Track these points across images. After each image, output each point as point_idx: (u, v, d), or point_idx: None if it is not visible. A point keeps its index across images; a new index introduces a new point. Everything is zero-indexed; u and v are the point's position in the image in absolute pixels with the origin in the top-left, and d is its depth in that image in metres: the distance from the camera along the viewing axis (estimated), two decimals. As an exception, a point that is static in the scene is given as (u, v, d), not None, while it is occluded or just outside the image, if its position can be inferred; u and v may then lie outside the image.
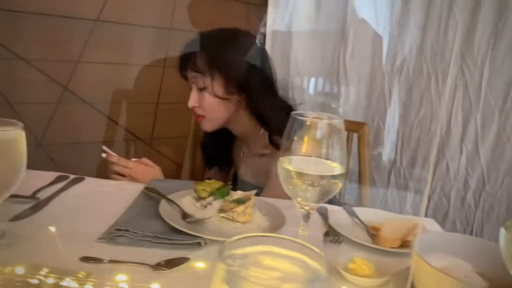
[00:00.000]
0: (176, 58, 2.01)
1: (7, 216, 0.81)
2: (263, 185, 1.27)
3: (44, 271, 0.60)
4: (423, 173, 1.88)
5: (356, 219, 0.97)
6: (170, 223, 0.83)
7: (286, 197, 0.86)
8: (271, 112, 1.24)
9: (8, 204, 0.87)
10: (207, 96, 1.21)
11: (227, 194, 0.92)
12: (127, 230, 0.80)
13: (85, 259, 0.71)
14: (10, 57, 1.69)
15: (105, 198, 0.99)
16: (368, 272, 0.72)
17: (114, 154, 1.17)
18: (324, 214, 1.01)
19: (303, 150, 0.68)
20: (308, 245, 0.41)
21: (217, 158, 1.45)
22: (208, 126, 1.27)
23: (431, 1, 1.81)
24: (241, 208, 0.86)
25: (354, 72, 2.07)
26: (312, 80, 2.21)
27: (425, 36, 1.84)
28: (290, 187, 0.69)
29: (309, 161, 0.68)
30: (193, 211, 0.89)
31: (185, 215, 0.88)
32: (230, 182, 1.42)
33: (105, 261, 0.71)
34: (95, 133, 1.96)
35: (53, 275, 0.63)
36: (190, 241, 0.79)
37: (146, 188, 0.99)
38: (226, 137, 1.42)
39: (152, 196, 0.97)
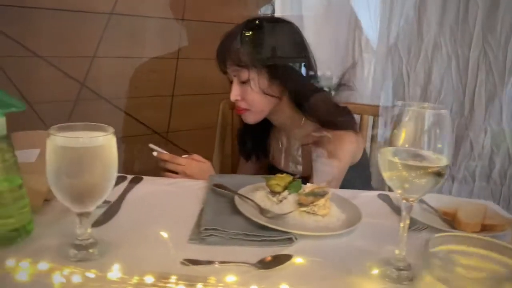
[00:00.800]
0: (190, 48, 1.99)
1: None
2: (305, 174, 1.27)
3: (173, 278, 0.58)
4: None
5: (425, 205, 0.98)
6: (256, 220, 0.82)
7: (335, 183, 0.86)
8: (316, 101, 1.23)
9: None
10: (252, 90, 1.19)
11: (300, 187, 0.91)
12: (216, 229, 0.78)
13: (187, 261, 0.70)
14: (27, 55, 1.63)
15: (172, 198, 0.97)
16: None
17: (165, 152, 1.14)
18: (389, 202, 1.01)
19: (407, 140, 0.68)
20: (503, 243, 0.40)
21: (255, 150, 1.44)
22: (252, 118, 1.26)
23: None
24: (322, 201, 0.85)
25: (369, 56, 2.07)
26: (325, 66, 2.20)
27: (444, 18, 1.84)
28: (394, 178, 0.68)
29: (413, 152, 0.67)
30: (269, 206, 0.88)
31: (263, 211, 0.86)
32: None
33: (207, 262, 0.69)
34: (115, 128, 1.93)
35: (165, 281, 0.61)
36: (282, 237, 0.79)
37: (215, 185, 0.97)
38: (263, 128, 1.41)
39: (221, 192, 0.95)
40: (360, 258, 0.76)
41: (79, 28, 1.76)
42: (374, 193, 1.07)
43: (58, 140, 0.66)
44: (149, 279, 0.58)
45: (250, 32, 1.21)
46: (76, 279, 0.58)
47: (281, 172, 1.37)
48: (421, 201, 0.99)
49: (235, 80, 1.22)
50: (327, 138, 1.21)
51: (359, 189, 1.07)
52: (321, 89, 1.30)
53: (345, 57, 2.11)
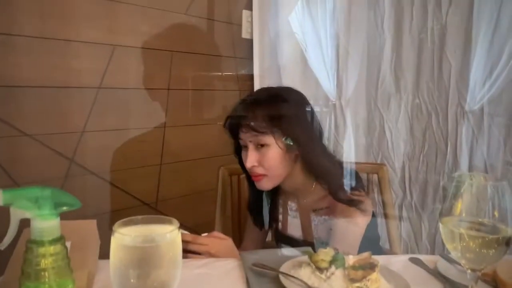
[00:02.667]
0: (176, 116, 2.00)
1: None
2: (313, 240, 1.27)
3: None
4: (435, 204, 1.96)
5: (459, 266, 0.99)
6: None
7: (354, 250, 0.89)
8: (326, 165, 1.26)
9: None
10: (270, 154, 1.21)
11: (344, 261, 0.90)
12: (276, 316, 0.75)
13: None
14: (14, 134, 1.58)
15: (210, 282, 0.93)
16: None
17: (187, 232, 1.11)
18: (423, 266, 1.02)
19: (468, 211, 0.70)
20: None
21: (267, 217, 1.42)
22: (269, 184, 1.26)
23: (422, 44, 1.96)
24: (374, 275, 0.85)
25: (351, 114, 2.15)
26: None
27: (420, 76, 1.97)
28: (460, 248, 0.70)
29: (476, 222, 0.69)
30: (317, 284, 0.86)
31: (313, 289, 0.85)
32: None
33: None
34: (103, 203, 1.86)
35: None
36: (344, 318, 0.77)
37: (254, 265, 0.94)
38: (273, 195, 1.41)
39: (261, 272, 0.93)
40: (426, 332, 0.75)
41: (68, 104, 1.73)
42: (405, 257, 1.07)
43: (126, 240, 0.63)
44: None
45: (265, 99, 1.24)
46: None
47: (289, 238, 1.38)
48: (454, 261, 1.00)
49: (251, 147, 1.22)
50: (341, 205, 1.22)
51: (369, 249, 1.08)
52: (329, 153, 1.33)
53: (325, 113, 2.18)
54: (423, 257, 1.06)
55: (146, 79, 1.94)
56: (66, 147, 1.72)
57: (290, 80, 2.14)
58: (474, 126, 1.86)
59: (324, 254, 0.90)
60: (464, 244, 0.69)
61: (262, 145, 1.21)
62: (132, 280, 0.63)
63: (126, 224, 0.66)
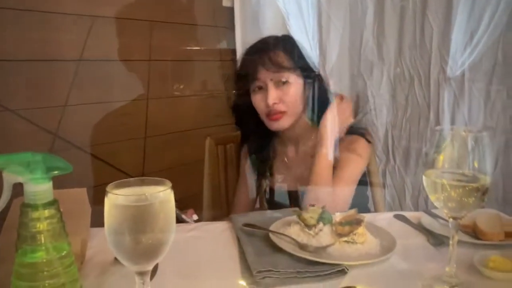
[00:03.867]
0: (159, 88, 1.99)
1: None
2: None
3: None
4: (418, 168, 2.01)
5: (442, 220, 1.03)
6: (305, 256, 0.83)
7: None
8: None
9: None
10: (291, 90, 1.26)
11: (332, 217, 0.93)
12: (270, 271, 0.78)
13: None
14: (-4, 110, 1.56)
15: (201, 244, 0.96)
16: (509, 267, 0.78)
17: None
18: (407, 221, 1.06)
19: (450, 162, 0.73)
20: None
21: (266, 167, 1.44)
22: (287, 121, 1.29)
23: (404, 9, 1.96)
24: (360, 229, 0.88)
25: (334, 82, 2.16)
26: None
27: (403, 41, 1.98)
28: (441, 198, 0.73)
29: (457, 173, 0.72)
30: (306, 240, 0.89)
31: (302, 246, 0.88)
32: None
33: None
34: (88, 177, 1.86)
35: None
36: (334, 270, 0.80)
37: (244, 225, 0.97)
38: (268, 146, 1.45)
39: (251, 231, 0.95)
40: (411, 280, 0.79)
41: (49, 77, 1.70)
42: (389, 214, 1.11)
43: (119, 199, 0.64)
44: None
45: (286, 38, 1.34)
46: None
47: (279, 188, 1.40)
48: (437, 216, 1.05)
49: (272, 85, 1.25)
50: (341, 145, 1.27)
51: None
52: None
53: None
54: (407, 214, 1.10)
55: (126, 51, 1.91)
56: (49, 121, 1.70)
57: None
58: (456, 91, 1.89)
59: (312, 212, 0.93)
60: (446, 194, 0.72)
61: (284, 82, 1.25)
62: (127, 241, 0.65)
63: (119, 186, 0.66)
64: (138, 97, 2.02)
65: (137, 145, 2.03)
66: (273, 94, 1.24)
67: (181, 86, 2.21)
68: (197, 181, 1.74)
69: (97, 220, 0.92)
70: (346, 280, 0.78)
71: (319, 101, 1.32)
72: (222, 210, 1.68)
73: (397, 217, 1.09)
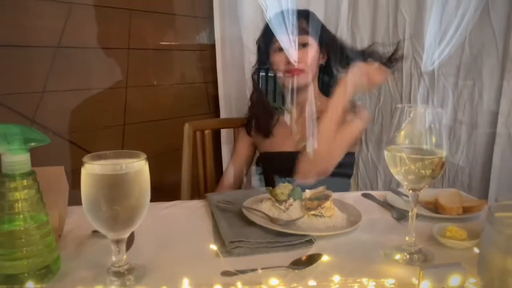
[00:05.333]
0: (138, 76, 2.01)
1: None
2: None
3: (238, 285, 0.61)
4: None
5: (405, 198, 1.09)
6: (274, 228, 0.87)
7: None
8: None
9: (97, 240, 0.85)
10: (310, 52, 1.42)
11: (301, 194, 0.98)
12: (241, 241, 0.82)
13: (225, 273, 0.73)
14: (-28, 94, 1.55)
15: (177, 219, 1.00)
16: (464, 237, 0.84)
17: None
18: (374, 199, 1.12)
19: (409, 137, 0.78)
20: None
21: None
22: (305, 79, 1.42)
23: (377, 2, 2.02)
24: (328, 203, 0.93)
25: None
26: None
27: (376, 33, 2.04)
28: (401, 171, 0.78)
29: (415, 148, 0.77)
30: (277, 215, 0.93)
31: (273, 220, 0.92)
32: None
33: (250, 270, 0.73)
34: (66, 164, 1.86)
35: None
36: (302, 240, 0.84)
37: (219, 201, 1.01)
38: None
39: (226, 207, 0.99)
40: (374, 249, 0.84)
41: (27, 63, 1.70)
42: (358, 193, 1.16)
43: (96, 168, 0.67)
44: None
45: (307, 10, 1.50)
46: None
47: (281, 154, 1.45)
48: (402, 194, 1.10)
49: (293, 46, 1.39)
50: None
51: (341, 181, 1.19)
52: None
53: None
54: (375, 193, 1.16)
55: (105, 38, 1.92)
56: (26, 107, 1.70)
57: (251, 41, 2.16)
58: (429, 87, 1.96)
59: (283, 188, 0.97)
60: (406, 167, 0.77)
61: (304, 45, 1.40)
62: (103, 209, 0.68)
63: (95, 157, 0.69)
64: (116, 85, 2.02)
65: (115, 133, 2.03)
66: (294, 53, 1.38)
67: (160, 75, 2.22)
68: (176, 169, 1.77)
69: (74, 202, 0.95)
70: (313, 249, 0.83)
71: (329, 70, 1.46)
72: (200, 197, 1.72)
73: (365, 195, 1.15)
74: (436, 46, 1.85)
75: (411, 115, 0.77)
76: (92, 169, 0.67)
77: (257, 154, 1.63)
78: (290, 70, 1.41)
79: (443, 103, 1.92)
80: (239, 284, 0.63)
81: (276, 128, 1.52)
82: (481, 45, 1.84)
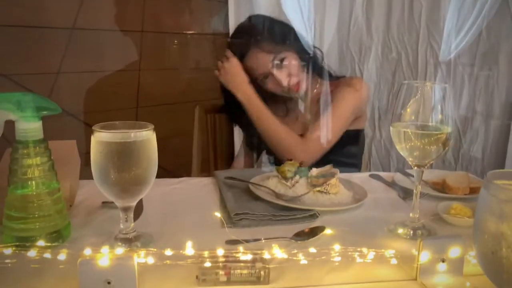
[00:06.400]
0: (151, 59, 2.03)
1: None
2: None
3: (240, 250, 0.63)
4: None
5: (413, 178, 1.08)
6: (279, 202, 0.88)
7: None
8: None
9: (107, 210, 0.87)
10: (293, 62, 1.37)
11: (308, 172, 0.99)
12: (246, 213, 0.84)
13: (230, 242, 0.74)
14: (-11, 74, 1.59)
15: (187, 194, 1.02)
16: (469, 215, 0.84)
17: None
18: (381, 180, 1.12)
19: (415, 114, 0.78)
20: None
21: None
22: (304, 86, 1.39)
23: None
24: (333, 180, 0.93)
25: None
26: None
27: (391, 18, 2.02)
28: (407, 147, 0.78)
29: (421, 124, 0.78)
30: (283, 191, 0.95)
31: (279, 195, 0.93)
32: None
33: (253, 240, 0.75)
34: (79, 145, 1.90)
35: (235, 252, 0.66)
36: (306, 214, 0.86)
37: (226, 178, 1.02)
38: None
39: (233, 183, 1.01)
40: (378, 225, 0.85)
41: (42, 44, 1.74)
42: (365, 174, 1.17)
43: (105, 136, 0.69)
44: (219, 251, 0.63)
45: (274, 19, 1.44)
46: (151, 260, 0.62)
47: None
48: (409, 175, 1.10)
49: (275, 66, 1.35)
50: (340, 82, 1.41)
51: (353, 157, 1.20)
52: None
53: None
54: (382, 174, 1.16)
55: (119, 21, 1.94)
56: (41, 88, 1.74)
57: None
58: (446, 76, 1.94)
59: (290, 165, 0.98)
60: (411, 143, 0.78)
61: (282, 60, 1.34)
62: (112, 176, 0.70)
63: (105, 127, 0.71)
64: (130, 67, 2.05)
65: (129, 115, 2.06)
66: (283, 74, 1.35)
67: (173, 59, 2.24)
68: (187, 153, 1.79)
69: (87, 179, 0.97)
70: (316, 223, 0.84)
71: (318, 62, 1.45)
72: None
73: (372, 176, 1.15)
74: (454, 35, 1.83)
75: (418, 91, 0.77)
76: (101, 137, 0.69)
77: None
78: (290, 89, 1.38)
79: (460, 92, 1.90)
80: (241, 248, 0.64)
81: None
82: (499, 35, 1.81)
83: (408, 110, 0.79)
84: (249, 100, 1.33)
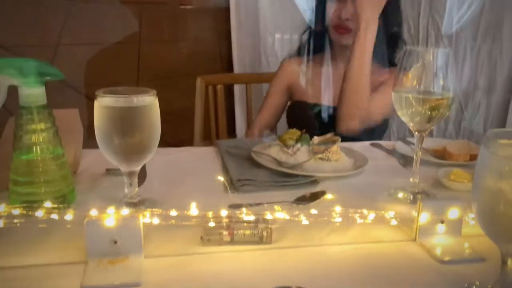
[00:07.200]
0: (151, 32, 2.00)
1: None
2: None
3: (243, 210, 0.64)
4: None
5: (414, 146, 1.09)
6: (281, 169, 0.89)
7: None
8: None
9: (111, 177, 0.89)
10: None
11: (309, 140, 0.99)
12: (248, 180, 0.85)
13: (232, 205, 0.76)
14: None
15: (190, 161, 1.03)
16: (469, 180, 0.85)
17: None
18: (382, 148, 1.13)
19: (417, 79, 0.78)
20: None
21: None
22: (349, 40, 1.33)
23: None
24: (335, 147, 0.94)
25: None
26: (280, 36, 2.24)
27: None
28: (408, 113, 0.79)
29: (422, 89, 0.78)
30: (285, 159, 0.96)
31: (280, 163, 0.94)
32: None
33: (256, 204, 0.76)
34: (81, 118, 1.91)
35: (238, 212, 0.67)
36: (307, 181, 0.87)
37: (229, 146, 1.03)
38: None
39: (235, 152, 1.01)
40: (378, 190, 0.86)
41: (41, 16, 1.72)
42: (366, 143, 1.18)
43: (108, 101, 0.69)
44: (223, 212, 0.64)
45: None
46: (156, 221, 0.63)
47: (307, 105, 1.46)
48: (411, 143, 1.11)
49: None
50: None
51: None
52: None
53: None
54: (383, 142, 1.17)
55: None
56: (41, 59, 1.73)
57: (267, 6, 2.13)
58: (445, 39, 1.92)
59: (291, 134, 0.99)
60: (412, 109, 0.78)
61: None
62: (115, 141, 0.71)
63: (108, 92, 0.71)
64: (130, 39, 2.04)
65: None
66: (350, 9, 1.31)
67: (173, 32, 2.22)
68: (188, 127, 1.79)
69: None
70: (317, 189, 0.85)
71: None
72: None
73: (373, 145, 1.16)
74: (457, 8, 1.81)
75: (419, 56, 0.77)
76: (104, 102, 0.69)
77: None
78: (338, 27, 1.36)
79: (463, 66, 1.89)
80: (244, 210, 0.66)
81: (315, 76, 1.50)
82: (502, 7, 1.79)
83: (410, 76, 0.79)
84: (366, 32, 1.27)
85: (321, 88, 1.47)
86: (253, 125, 1.56)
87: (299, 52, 1.56)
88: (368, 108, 1.31)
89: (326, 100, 1.44)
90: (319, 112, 1.43)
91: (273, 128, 1.57)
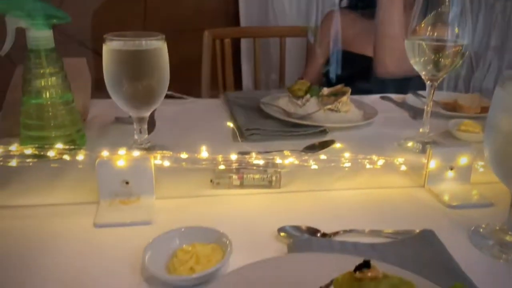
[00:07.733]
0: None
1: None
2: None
3: (252, 154, 0.64)
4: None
5: (424, 99, 1.08)
6: (290, 119, 0.89)
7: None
8: None
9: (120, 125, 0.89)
10: None
11: (319, 91, 0.98)
12: (257, 129, 0.85)
13: (242, 153, 0.76)
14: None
15: (198, 111, 1.03)
16: (479, 130, 0.85)
17: None
18: (391, 101, 1.12)
19: (430, 27, 0.76)
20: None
21: None
22: None
23: None
24: (344, 98, 0.93)
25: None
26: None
27: None
28: (421, 61, 0.77)
29: (436, 38, 0.76)
30: (294, 110, 0.95)
31: (290, 114, 0.94)
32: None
33: (265, 152, 0.76)
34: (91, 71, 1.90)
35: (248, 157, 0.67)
36: (316, 130, 0.87)
37: (237, 97, 1.02)
38: None
39: (244, 104, 1.01)
40: (388, 140, 0.86)
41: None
42: (376, 96, 1.16)
43: (117, 45, 0.68)
44: (233, 156, 0.64)
45: None
46: (166, 163, 0.64)
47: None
48: (421, 96, 1.10)
49: None
50: None
51: None
52: None
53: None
54: (393, 96, 1.15)
55: None
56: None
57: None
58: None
59: (301, 84, 0.98)
60: (425, 56, 0.77)
61: None
62: (125, 85, 0.70)
63: (116, 35, 0.70)
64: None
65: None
66: None
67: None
68: (196, 80, 1.77)
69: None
70: (328, 137, 0.85)
71: None
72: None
73: (383, 98, 1.15)
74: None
75: (434, 3, 0.75)
76: (113, 46, 0.68)
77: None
78: None
79: (476, 20, 1.84)
80: (254, 154, 0.66)
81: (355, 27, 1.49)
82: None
83: (423, 24, 0.77)
84: None
85: (364, 39, 1.45)
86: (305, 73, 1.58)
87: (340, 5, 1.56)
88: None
89: (370, 51, 1.42)
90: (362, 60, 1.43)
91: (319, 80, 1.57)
